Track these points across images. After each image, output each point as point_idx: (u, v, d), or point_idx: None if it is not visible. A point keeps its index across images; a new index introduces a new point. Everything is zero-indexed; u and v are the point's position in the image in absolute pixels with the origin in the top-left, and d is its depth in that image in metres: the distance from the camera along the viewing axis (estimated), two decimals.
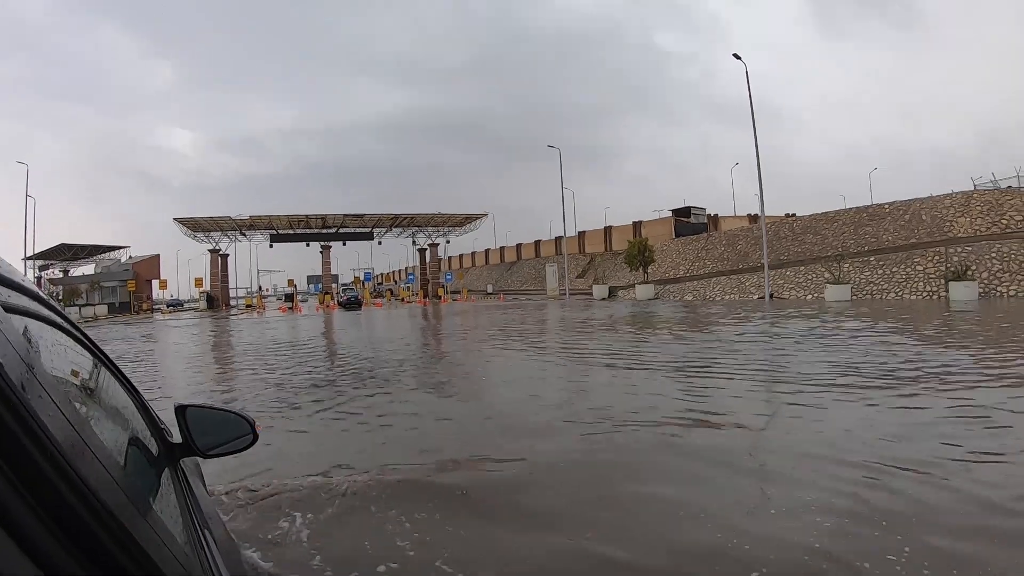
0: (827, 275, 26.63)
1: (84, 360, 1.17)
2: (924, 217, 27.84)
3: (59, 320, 1.01)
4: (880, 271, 25.89)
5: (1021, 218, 25.44)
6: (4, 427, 0.54)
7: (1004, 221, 25.70)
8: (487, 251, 78.49)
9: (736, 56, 28.84)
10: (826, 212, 32.48)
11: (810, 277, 28.36)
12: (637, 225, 50.90)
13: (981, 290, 22.30)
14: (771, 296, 28.26)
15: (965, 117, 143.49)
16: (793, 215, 52.97)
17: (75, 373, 1.07)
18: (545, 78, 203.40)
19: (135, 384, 1.59)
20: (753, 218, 48.79)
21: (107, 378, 1.33)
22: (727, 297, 30.77)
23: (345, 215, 55.27)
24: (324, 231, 58.28)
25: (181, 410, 1.57)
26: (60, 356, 0.98)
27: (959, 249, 24.35)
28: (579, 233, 58.18)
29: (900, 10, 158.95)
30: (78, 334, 1.13)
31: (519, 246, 70.94)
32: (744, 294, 30.47)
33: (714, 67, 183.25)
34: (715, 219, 47.77)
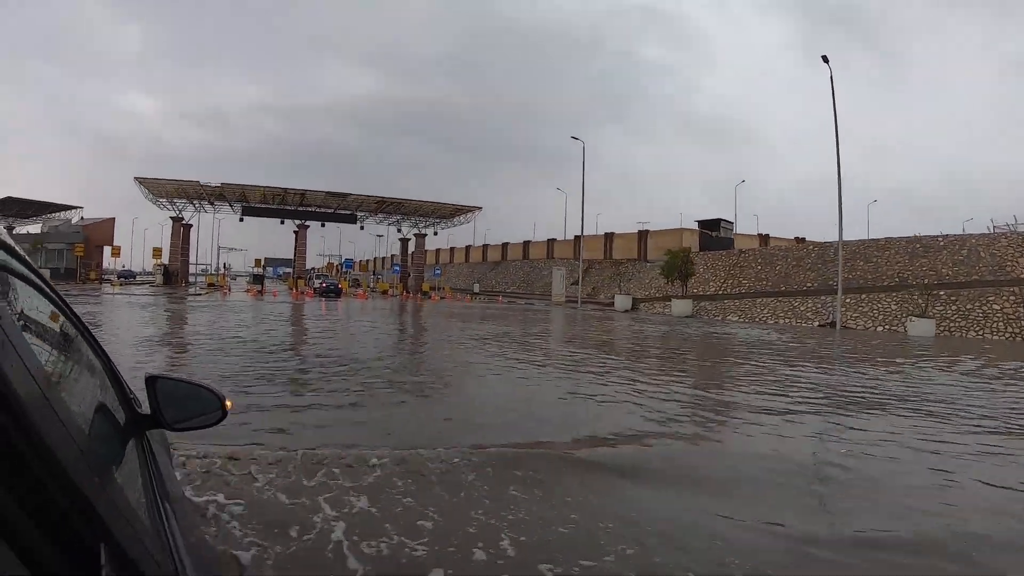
0: (910, 307, 26.21)
1: (54, 320, 1.14)
2: (983, 254, 28.01)
3: (30, 275, 0.99)
4: (953, 307, 25.71)
5: None
6: None
7: None
8: (468, 248, 75.28)
9: (824, 59, 28.15)
10: (876, 239, 32.37)
11: (877, 307, 28.00)
12: (643, 234, 49.82)
13: None
14: (834, 324, 27.71)
15: (928, 158, 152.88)
16: (803, 239, 53.86)
17: (43, 332, 1.05)
18: (522, 78, 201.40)
19: (106, 351, 1.54)
20: (764, 238, 48.96)
21: (78, 341, 1.30)
22: (781, 322, 29.95)
23: (327, 193, 51.48)
24: (302, 209, 54.02)
25: (151, 381, 1.57)
26: (30, 313, 0.98)
27: None
28: (575, 237, 56.65)
29: (879, 55, 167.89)
30: (50, 292, 1.11)
31: (505, 245, 68.25)
32: (799, 319, 29.76)
33: (694, 84, 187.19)
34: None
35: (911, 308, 26.24)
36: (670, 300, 35.51)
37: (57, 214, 55.69)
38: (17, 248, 0.96)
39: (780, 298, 31.70)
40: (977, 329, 24.78)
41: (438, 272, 56.79)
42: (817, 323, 28.73)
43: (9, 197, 50.45)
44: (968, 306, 25.45)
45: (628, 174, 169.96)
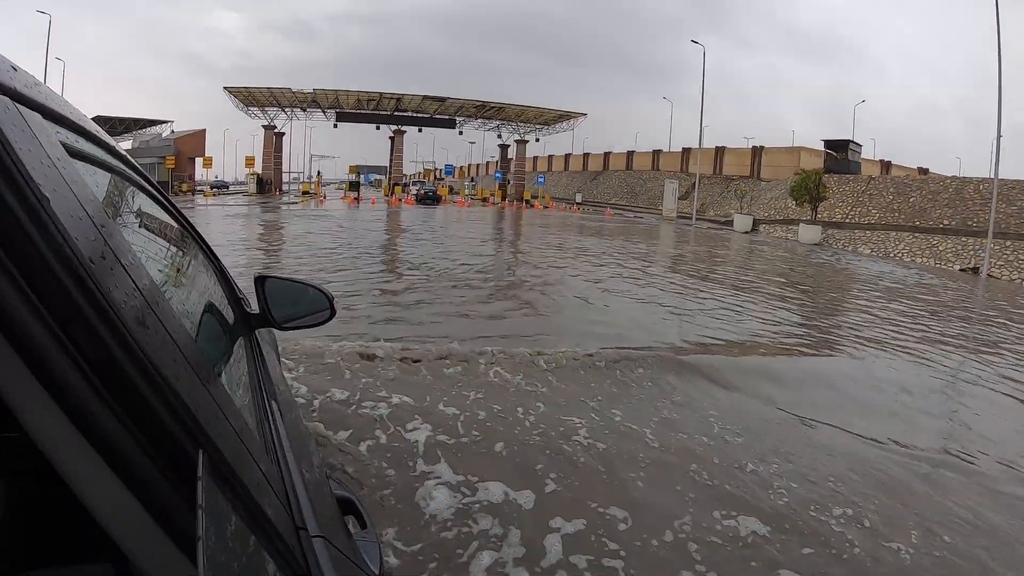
0: None
1: (161, 221, 1.15)
2: None
3: (137, 178, 0.99)
4: None
5: None
6: (72, 289, 0.55)
7: None
8: (567, 156, 73.56)
9: None
10: (1020, 180, 31.41)
11: (1019, 256, 27.75)
12: (757, 151, 48.41)
13: None
14: (976, 271, 27.65)
15: None
16: (927, 170, 51.29)
17: (151, 233, 1.07)
18: None
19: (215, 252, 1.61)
20: (886, 165, 47.13)
21: (187, 242, 1.33)
22: (918, 260, 29.92)
23: (424, 97, 51.36)
24: (398, 114, 54.14)
25: (260, 281, 1.61)
26: (136, 214, 0.99)
27: None
28: (683, 149, 55.50)
29: None
30: (157, 194, 1.11)
31: (607, 155, 66.45)
32: (939, 260, 29.62)
33: None
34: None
35: None
36: (795, 224, 35.13)
37: (147, 129, 56.41)
38: (121, 150, 1.00)
39: (916, 234, 31.47)
40: None
41: (541, 180, 56.62)
42: (959, 266, 28.74)
43: (99, 116, 51.02)
44: None
45: (730, 87, 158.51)
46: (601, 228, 31.06)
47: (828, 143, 42.40)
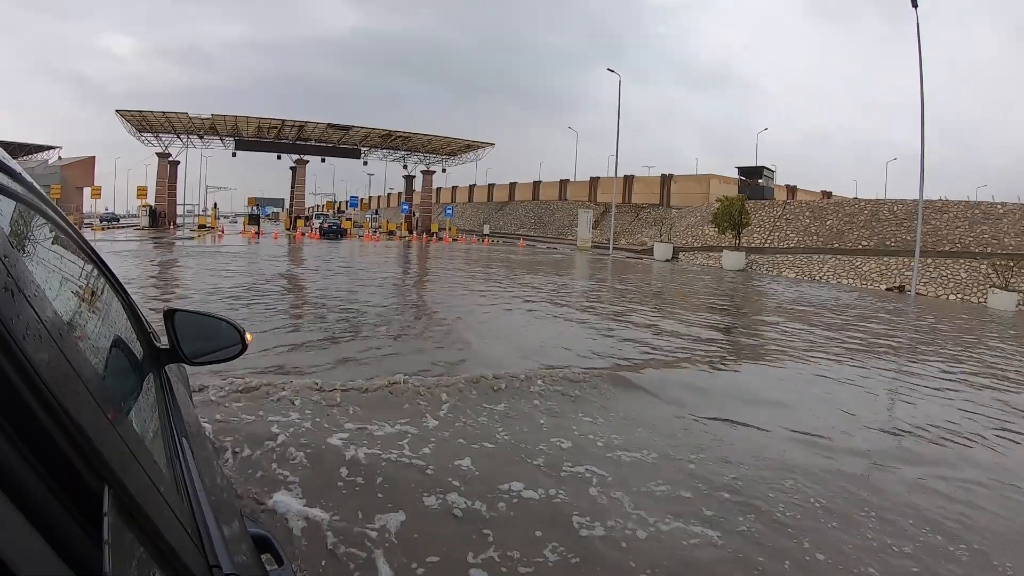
0: (979, 276, 26.17)
1: (66, 250, 1.10)
2: None
3: (39, 203, 0.96)
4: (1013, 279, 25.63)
5: None
6: None
7: None
8: (471, 187, 72.34)
9: (913, 3, 26.66)
10: (932, 200, 32.03)
11: (945, 273, 27.76)
12: (666, 179, 48.42)
13: None
14: (902, 289, 27.49)
15: (929, 119, 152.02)
16: (830, 193, 53.45)
17: (54, 264, 1.01)
18: (515, 11, 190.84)
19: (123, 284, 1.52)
20: (791, 190, 48.19)
21: (94, 272, 1.27)
22: (844, 282, 29.47)
23: (328, 125, 48.42)
24: (300, 143, 50.51)
25: (170, 315, 1.57)
26: (41, 243, 0.96)
27: None
28: (591, 179, 54.86)
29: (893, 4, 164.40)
30: (61, 221, 1.08)
31: (513, 185, 65.79)
32: (865, 281, 29.33)
33: (692, 26, 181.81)
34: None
35: (979, 278, 26.12)
36: (717, 251, 34.62)
37: (32, 156, 51.11)
38: (27, 177, 0.90)
39: (838, 256, 31.27)
40: None
41: (450, 211, 54.14)
42: (884, 286, 28.51)
43: None
44: None
45: (627, 118, 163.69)
46: (519, 261, 28.96)
47: (742, 170, 42.77)
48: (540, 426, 5.12)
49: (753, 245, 34.60)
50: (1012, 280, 25.15)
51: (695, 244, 38.02)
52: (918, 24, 26.30)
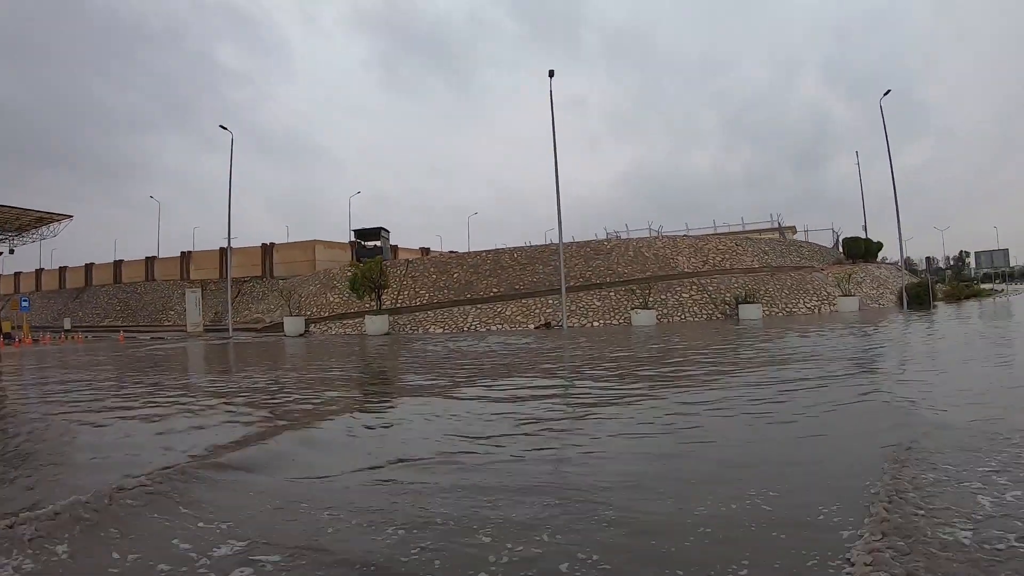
0: (612, 302, 26.70)
1: None
2: (647, 254, 30.92)
3: None
4: (651, 298, 27.12)
5: (721, 258, 31.14)
6: None
7: (709, 260, 30.94)
8: (39, 272, 56.54)
9: (550, 73, 26.87)
10: (537, 246, 33.01)
11: (582, 305, 27.69)
12: (267, 248, 41.67)
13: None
14: (548, 325, 26.42)
15: (487, 180, 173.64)
16: (429, 249, 52.99)
17: None
18: (84, 69, 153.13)
19: None
20: (394, 249, 45.90)
21: None
22: (494, 328, 27.19)
23: None
24: None
25: None
26: None
27: (709, 281, 28.21)
28: (183, 254, 44.35)
29: (458, 79, 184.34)
30: None
31: (89, 267, 52.41)
32: (511, 324, 27.51)
33: (268, 94, 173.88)
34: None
35: (613, 303, 26.91)
36: (352, 317, 29.96)
37: None
38: None
39: (478, 305, 29.18)
40: (680, 314, 26.65)
41: (26, 304, 37.96)
42: (532, 325, 27.05)
43: None
44: (662, 296, 27.26)
45: (195, 188, 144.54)
46: (134, 362, 18.99)
47: (358, 232, 38.98)
48: None
49: (386, 306, 30.33)
50: (650, 299, 26.16)
51: (322, 314, 32.14)
52: (551, 93, 26.59)
